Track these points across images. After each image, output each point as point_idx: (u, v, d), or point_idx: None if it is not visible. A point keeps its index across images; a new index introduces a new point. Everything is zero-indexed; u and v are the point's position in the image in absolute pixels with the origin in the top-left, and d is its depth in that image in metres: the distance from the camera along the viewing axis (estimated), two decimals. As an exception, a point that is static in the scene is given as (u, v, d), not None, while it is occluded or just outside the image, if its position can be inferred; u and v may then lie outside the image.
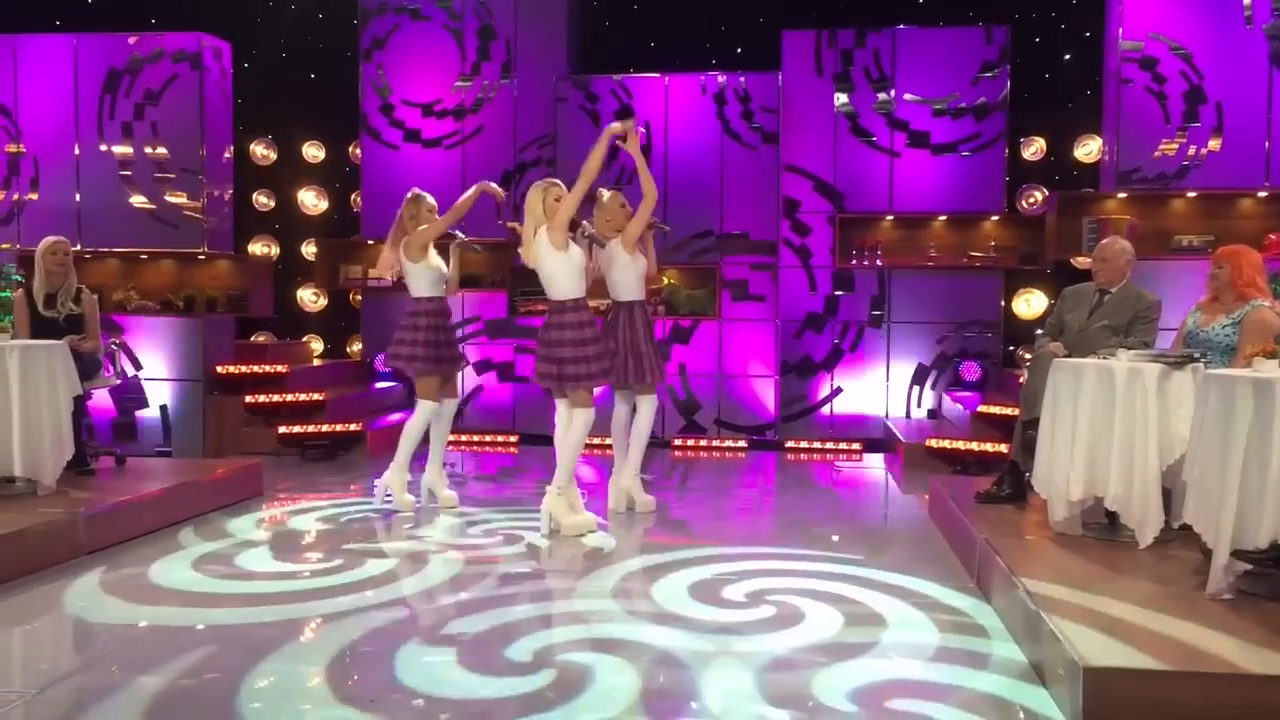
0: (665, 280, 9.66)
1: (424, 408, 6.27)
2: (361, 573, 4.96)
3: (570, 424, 5.75)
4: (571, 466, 5.76)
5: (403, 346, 6.23)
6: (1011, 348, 9.85)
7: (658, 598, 4.54)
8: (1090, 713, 3.05)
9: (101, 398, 8.53)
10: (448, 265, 6.47)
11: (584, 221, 6.09)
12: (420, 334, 6.22)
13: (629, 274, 6.19)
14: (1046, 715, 3.26)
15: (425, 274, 6.28)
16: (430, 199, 6.39)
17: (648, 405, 6.27)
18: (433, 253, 6.34)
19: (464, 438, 9.69)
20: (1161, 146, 8.45)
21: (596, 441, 8.05)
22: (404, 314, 6.37)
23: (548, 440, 6.12)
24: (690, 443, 9.58)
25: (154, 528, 5.80)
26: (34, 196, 9.45)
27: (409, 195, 6.40)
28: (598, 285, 6.29)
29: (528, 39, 10.08)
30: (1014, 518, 5.27)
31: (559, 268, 5.68)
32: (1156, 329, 5.50)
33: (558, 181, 5.86)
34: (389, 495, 6.36)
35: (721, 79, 9.61)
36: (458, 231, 6.63)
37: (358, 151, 10.50)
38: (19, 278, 7.09)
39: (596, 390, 5.86)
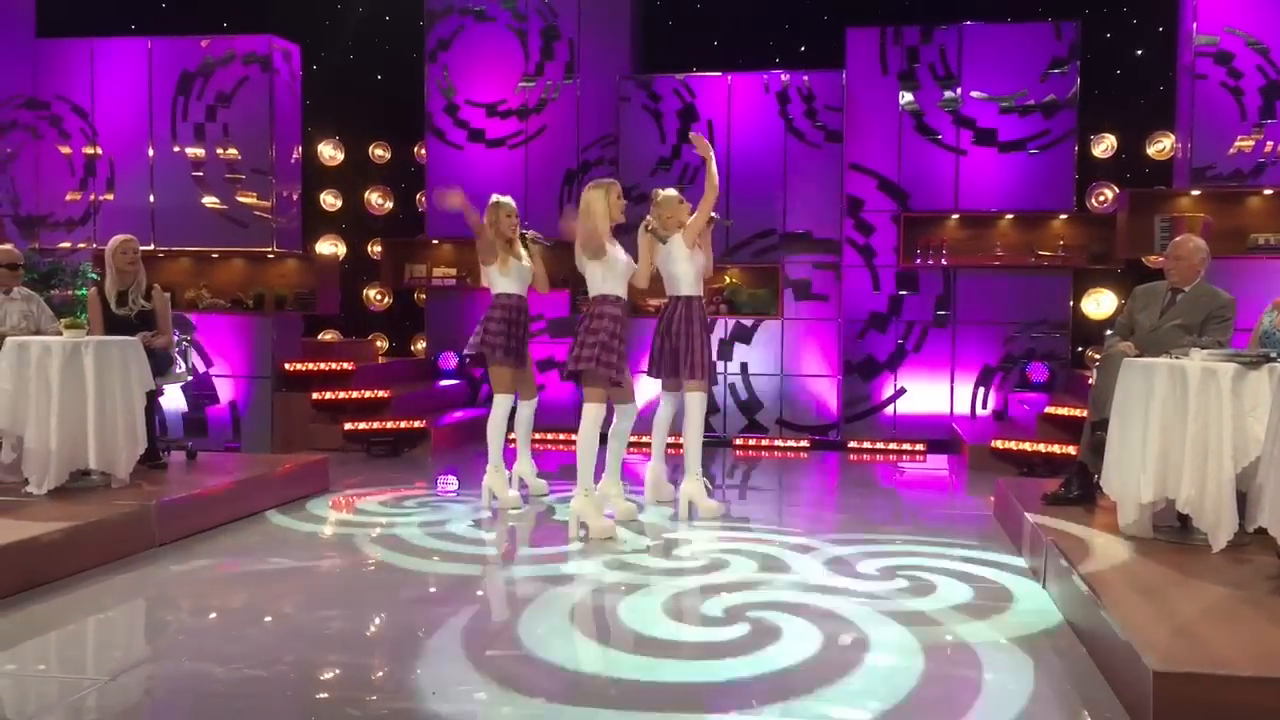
0: (727, 279, 9.64)
1: (500, 403, 6.45)
2: (436, 569, 5.01)
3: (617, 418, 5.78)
4: (586, 465, 5.66)
5: (478, 336, 6.44)
6: (1080, 348, 9.68)
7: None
8: (1162, 718, 2.98)
9: (173, 393, 8.70)
10: (530, 263, 6.55)
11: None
12: (493, 325, 6.39)
13: (688, 269, 6.20)
14: (1115, 720, 3.20)
15: (500, 276, 6.45)
16: (508, 204, 6.51)
17: (696, 403, 6.22)
18: (512, 256, 6.47)
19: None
20: (1237, 143, 8.26)
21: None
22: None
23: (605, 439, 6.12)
24: (752, 442, 9.55)
25: (225, 520, 5.91)
26: (109, 197, 9.68)
27: (490, 201, 6.54)
28: (654, 282, 6.29)
29: (591, 39, 10.11)
30: (1082, 520, 5.17)
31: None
32: (1231, 328, 5.37)
33: (615, 182, 5.88)
34: (495, 499, 6.47)
35: (785, 77, 9.56)
36: (526, 228, 6.69)
37: (423, 152, 10.61)
38: (95, 276, 7.28)
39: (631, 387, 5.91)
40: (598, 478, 5.88)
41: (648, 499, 6.53)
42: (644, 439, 6.94)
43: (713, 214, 6.26)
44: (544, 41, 10.15)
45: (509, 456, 6.61)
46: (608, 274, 5.72)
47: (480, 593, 4.66)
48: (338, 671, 3.61)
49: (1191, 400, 4.39)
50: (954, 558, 5.30)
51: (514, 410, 6.55)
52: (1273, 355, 4.48)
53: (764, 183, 9.56)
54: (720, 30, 10.45)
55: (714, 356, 6.47)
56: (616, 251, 5.76)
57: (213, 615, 4.23)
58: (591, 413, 5.69)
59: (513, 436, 6.60)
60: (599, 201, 5.72)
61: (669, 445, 6.71)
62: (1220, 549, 4.34)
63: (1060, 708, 3.35)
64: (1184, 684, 3.01)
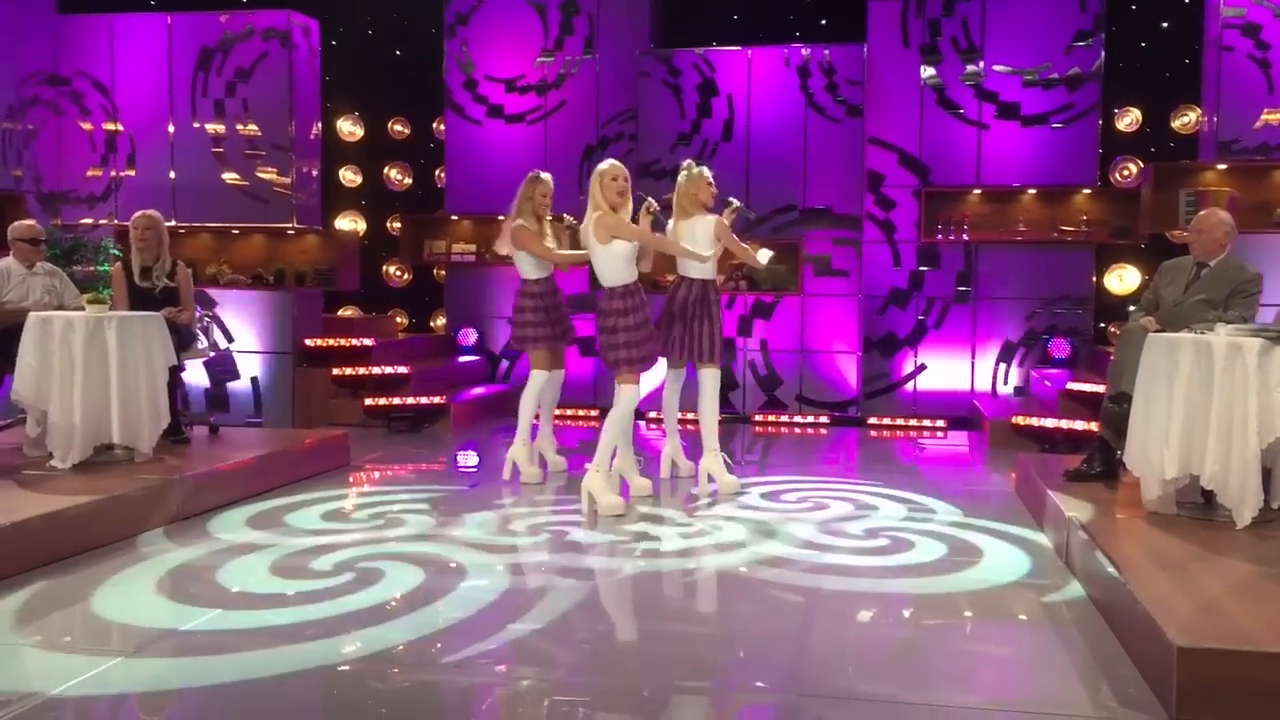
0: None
1: (536, 378, 6.49)
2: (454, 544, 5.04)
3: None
4: (610, 445, 5.73)
5: (516, 329, 6.51)
6: (1102, 324, 9.61)
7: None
8: (1185, 693, 2.97)
9: (195, 369, 8.75)
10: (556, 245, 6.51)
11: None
12: (527, 314, 6.43)
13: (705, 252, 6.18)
14: (1140, 696, 3.19)
15: (527, 258, 6.42)
16: (546, 182, 6.47)
17: (711, 380, 6.22)
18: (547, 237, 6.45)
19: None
20: (1264, 116, 8.16)
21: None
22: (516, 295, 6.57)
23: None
24: (771, 418, 9.53)
25: (247, 495, 5.94)
26: (130, 173, 9.71)
27: (529, 176, 6.48)
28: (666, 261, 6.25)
29: (610, 13, 10.05)
30: (1105, 496, 5.14)
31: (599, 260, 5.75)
32: (1257, 303, 5.32)
33: (612, 164, 5.76)
34: (516, 470, 6.52)
35: (805, 51, 9.49)
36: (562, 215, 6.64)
37: (442, 127, 10.58)
38: (118, 252, 7.30)
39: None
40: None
41: (664, 475, 6.54)
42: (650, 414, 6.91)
43: (735, 204, 6.24)
44: (563, 16, 10.10)
45: (532, 432, 6.64)
46: (606, 264, 5.70)
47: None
48: (359, 645, 3.62)
49: (1217, 376, 4.35)
50: (975, 530, 5.29)
51: None
52: (1299, 330, 4.43)
53: (784, 158, 9.51)
54: (740, 4, 10.37)
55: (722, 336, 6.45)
56: (604, 249, 5.68)
57: (235, 589, 4.25)
58: (628, 394, 5.72)
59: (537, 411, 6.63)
60: (595, 187, 5.69)
61: (683, 421, 6.70)
62: (1244, 525, 4.31)
63: (1083, 682, 3.34)
64: (1208, 660, 2.99)
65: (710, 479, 6.22)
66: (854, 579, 4.46)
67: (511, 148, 10.07)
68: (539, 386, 6.50)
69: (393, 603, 4.08)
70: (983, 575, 4.53)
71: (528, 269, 6.45)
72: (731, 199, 6.34)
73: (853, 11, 9.75)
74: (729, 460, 6.37)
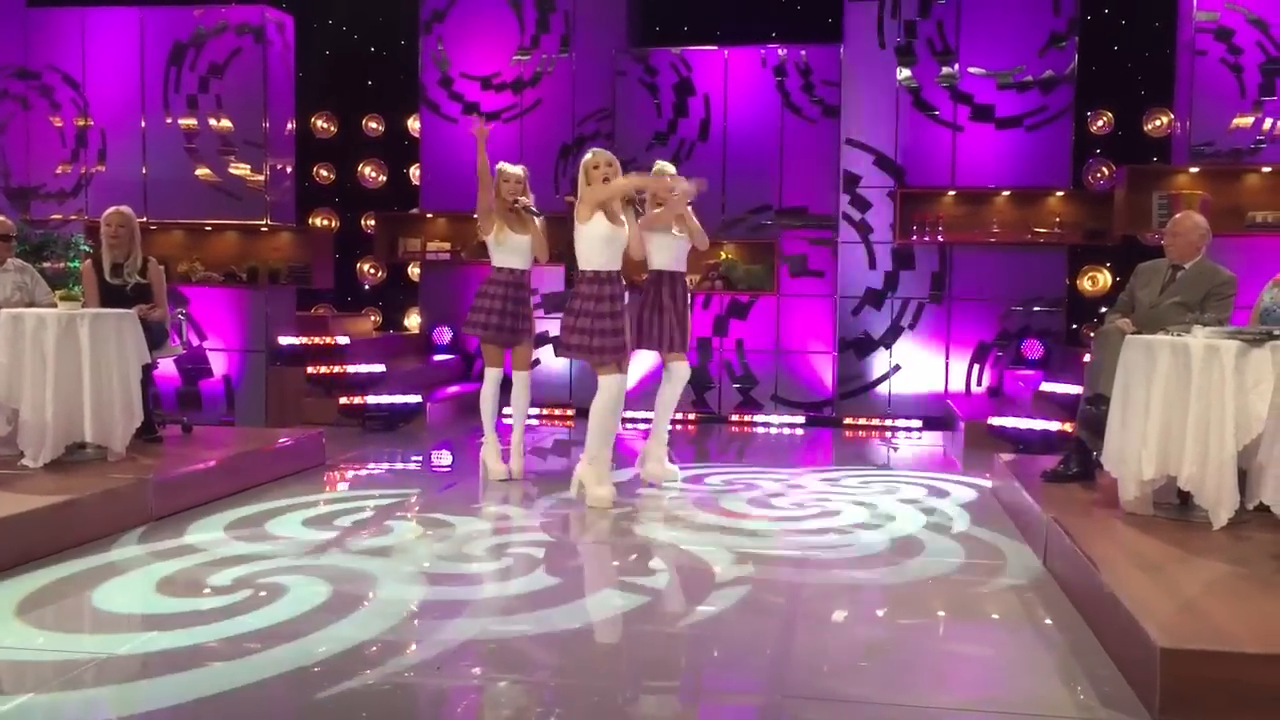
0: (722, 255, 9.61)
1: (488, 375, 6.48)
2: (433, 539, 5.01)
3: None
4: (597, 435, 5.72)
5: (471, 313, 6.41)
6: (1075, 326, 9.68)
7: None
8: (1168, 695, 2.99)
9: (167, 367, 8.65)
10: (531, 236, 6.44)
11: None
12: (486, 301, 6.33)
13: (667, 243, 6.21)
14: (1121, 696, 3.20)
15: (496, 247, 6.36)
16: (508, 172, 6.45)
17: (676, 372, 6.27)
18: (509, 227, 6.36)
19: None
20: (1236, 120, 8.23)
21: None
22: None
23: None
24: (747, 419, 9.54)
25: (221, 494, 5.87)
26: (101, 169, 9.59)
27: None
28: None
29: (586, 12, 10.03)
30: (1082, 497, 5.18)
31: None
32: (1232, 306, 5.36)
33: (593, 151, 5.84)
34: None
35: (782, 52, 9.51)
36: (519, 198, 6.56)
37: (417, 125, 10.53)
38: (88, 248, 7.22)
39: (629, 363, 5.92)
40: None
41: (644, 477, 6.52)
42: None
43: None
44: (539, 14, 10.07)
45: (504, 431, 6.60)
46: (579, 246, 5.71)
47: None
48: (325, 649, 3.57)
49: (1194, 378, 4.38)
50: (953, 530, 5.31)
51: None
52: (1276, 333, 4.47)
53: (760, 158, 9.52)
54: (717, 4, 10.38)
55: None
56: (583, 227, 5.69)
57: (207, 590, 4.20)
58: (602, 384, 5.71)
59: (508, 411, 6.58)
60: (581, 179, 5.75)
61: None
62: (1221, 526, 4.35)
63: (1064, 682, 3.36)
64: (1191, 661, 3.01)
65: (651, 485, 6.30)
66: (831, 578, 4.46)
67: (488, 145, 9.98)
68: (492, 386, 6.47)
69: (366, 603, 4.04)
70: (961, 575, 4.55)
71: (497, 256, 6.40)
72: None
73: (829, 12, 9.79)
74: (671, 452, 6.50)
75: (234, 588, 4.21)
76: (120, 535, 4.97)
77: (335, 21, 10.94)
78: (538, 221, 6.48)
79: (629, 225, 5.77)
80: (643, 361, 8.48)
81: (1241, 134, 8.23)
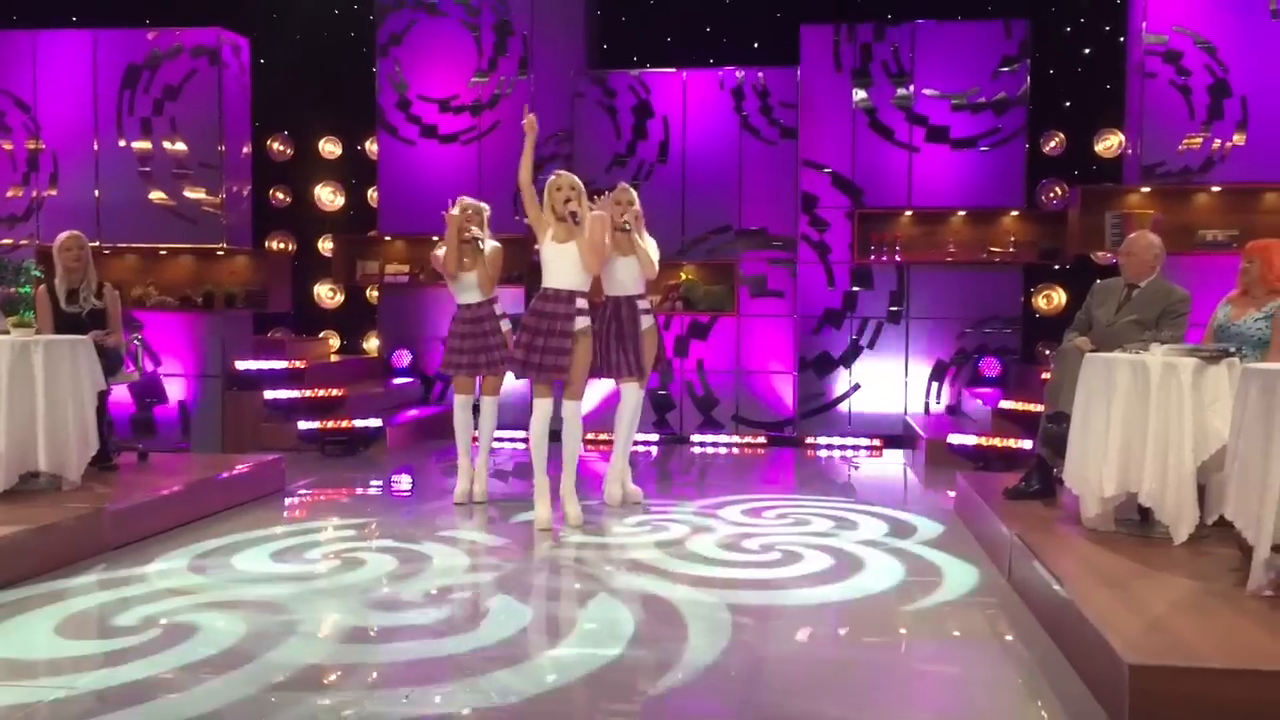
0: (682, 276, 9.63)
1: (457, 402, 6.60)
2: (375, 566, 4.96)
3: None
4: (534, 455, 5.85)
5: (444, 354, 6.63)
6: (1032, 344, 9.80)
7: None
8: (1137, 711, 3.01)
9: (120, 393, 8.51)
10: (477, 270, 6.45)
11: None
12: (453, 341, 6.52)
13: (623, 267, 6.20)
14: (1089, 712, 3.23)
15: (453, 284, 6.54)
16: (467, 201, 6.51)
17: (630, 395, 6.25)
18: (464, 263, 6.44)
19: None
20: (1185, 141, 8.39)
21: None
22: None
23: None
24: (709, 439, 9.54)
25: (179, 523, 5.79)
26: (53, 192, 9.44)
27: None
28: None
29: (544, 34, 10.04)
30: (1044, 514, 5.22)
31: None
32: (1186, 324, 5.45)
33: (562, 174, 5.87)
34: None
35: (740, 74, 9.57)
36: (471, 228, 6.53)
37: (374, 147, 10.48)
38: (39, 274, 7.09)
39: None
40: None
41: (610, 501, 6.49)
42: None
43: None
44: (497, 37, 10.06)
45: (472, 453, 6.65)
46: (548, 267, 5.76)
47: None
48: (288, 674, 3.52)
49: (1153, 395, 4.45)
50: (917, 549, 5.34)
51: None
52: (1231, 350, 4.55)
53: (719, 179, 9.56)
54: (675, 27, 10.44)
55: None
56: (546, 249, 5.76)
57: (164, 621, 4.12)
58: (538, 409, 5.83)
59: (477, 433, 6.60)
60: (545, 202, 5.81)
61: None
62: (1181, 541, 4.40)
63: (1032, 699, 3.37)
64: (1159, 677, 3.04)
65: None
66: (798, 598, 4.46)
67: (445, 168, 9.99)
68: (463, 412, 6.58)
69: (323, 632, 3.99)
70: (927, 594, 4.57)
71: (457, 295, 6.56)
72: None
73: (786, 35, 9.86)
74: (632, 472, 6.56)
75: (186, 619, 4.14)
76: (75, 566, 4.88)
77: (291, 44, 10.87)
78: (486, 249, 6.45)
79: (577, 241, 5.73)
80: (600, 386, 8.43)
81: (1191, 154, 8.38)
